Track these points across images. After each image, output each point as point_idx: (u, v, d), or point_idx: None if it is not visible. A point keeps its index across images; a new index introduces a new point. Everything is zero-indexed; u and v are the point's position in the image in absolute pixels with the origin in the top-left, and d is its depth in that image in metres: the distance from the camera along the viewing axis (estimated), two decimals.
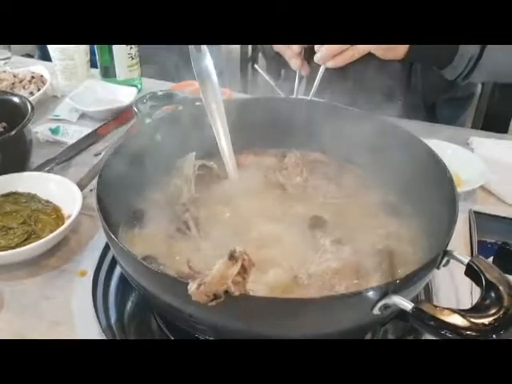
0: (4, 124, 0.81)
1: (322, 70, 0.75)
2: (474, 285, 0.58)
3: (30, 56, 1.45)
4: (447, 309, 0.38)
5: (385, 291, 0.40)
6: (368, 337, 0.56)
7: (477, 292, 0.58)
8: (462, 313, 0.38)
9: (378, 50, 0.76)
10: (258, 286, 0.47)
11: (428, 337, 0.53)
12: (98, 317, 0.55)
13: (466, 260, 0.44)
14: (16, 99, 0.81)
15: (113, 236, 0.45)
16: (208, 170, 0.66)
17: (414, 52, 0.78)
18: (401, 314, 0.45)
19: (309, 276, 0.51)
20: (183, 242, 0.57)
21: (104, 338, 0.52)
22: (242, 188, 0.65)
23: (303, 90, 0.96)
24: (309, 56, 0.83)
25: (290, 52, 0.80)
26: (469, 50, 0.79)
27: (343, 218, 0.59)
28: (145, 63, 1.09)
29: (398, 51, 0.78)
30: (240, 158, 0.68)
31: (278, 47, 0.84)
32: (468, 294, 0.58)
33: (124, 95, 1.00)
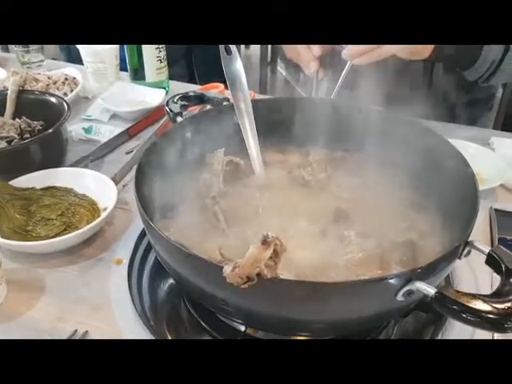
0: (41, 122, 0.85)
1: (346, 68, 0.76)
2: (493, 278, 0.60)
3: (54, 60, 1.50)
4: (469, 294, 0.40)
5: (409, 277, 0.42)
6: (390, 328, 0.59)
7: (496, 284, 0.59)
8: (483, 298, 0.40)
9: (404, 51, 0.77)
10: (285, 273, 0.49)
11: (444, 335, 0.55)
12: (133, 302, 0.58)
13: (487, 250, 0.46)
14: (53, 99, 0.85)
15: (150, 222, 0.48)
16: (235, 165, 0.69)
17: (439, 54, 0.80)
18: (422, 304, 0.48)
19: (333, 266, 0.53)
20: (212, 232, 0.59)
21: (140, 321, 0.55)
22: (268, 183, 0.68)
23: (325, 90, 0.98)
24: (323, 60, 0.85)
25: (309, 56, 0.81)
26: (491, 54, 0.81)
27: (366, 212, 0.61)
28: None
29: (423, 53, 0.80)
30: (266, 156, 0.71)
31: (290, 53, 0.86)
32: (488, 286, 0.59)
33: (152, 97, 1.04)
